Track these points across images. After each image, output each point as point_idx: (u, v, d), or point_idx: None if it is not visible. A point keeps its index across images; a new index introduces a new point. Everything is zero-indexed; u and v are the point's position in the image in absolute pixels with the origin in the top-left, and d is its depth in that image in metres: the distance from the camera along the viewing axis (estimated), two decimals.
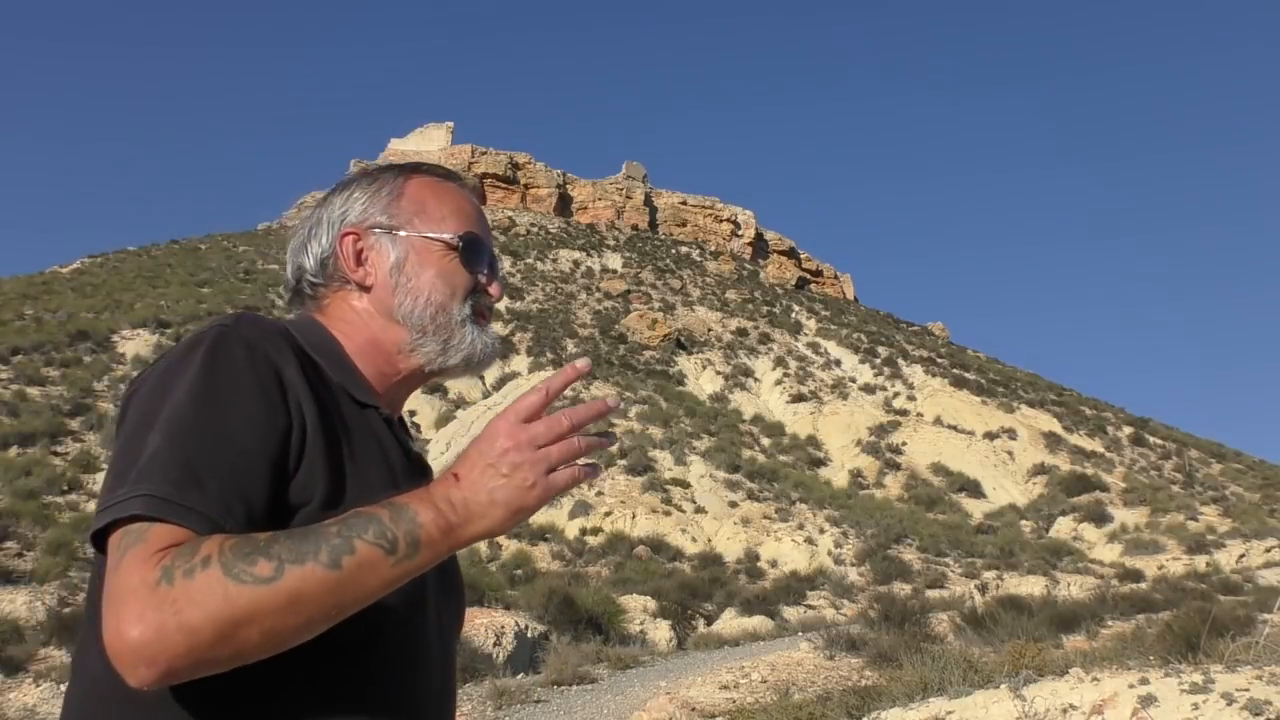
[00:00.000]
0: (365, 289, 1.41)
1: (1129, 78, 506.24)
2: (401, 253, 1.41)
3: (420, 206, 1.44)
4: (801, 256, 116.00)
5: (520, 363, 59.58)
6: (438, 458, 40.96)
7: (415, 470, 1.39)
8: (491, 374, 56.73)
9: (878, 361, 72.99)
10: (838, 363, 74.51)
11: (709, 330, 76.36)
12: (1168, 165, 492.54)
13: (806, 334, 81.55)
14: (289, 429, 1.18)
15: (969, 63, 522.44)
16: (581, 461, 1.15)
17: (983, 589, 27.06)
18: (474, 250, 1.45)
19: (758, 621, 20.45)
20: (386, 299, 1.40)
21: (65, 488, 25.02)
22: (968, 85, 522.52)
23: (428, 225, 1.43)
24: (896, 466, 50.65)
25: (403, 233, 1.42)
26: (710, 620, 21.38)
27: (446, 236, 1.43)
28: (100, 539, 1.11)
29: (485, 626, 13.86)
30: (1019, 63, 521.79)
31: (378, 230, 1.42)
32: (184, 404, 1.15)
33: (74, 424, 32.06)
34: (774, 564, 31.74)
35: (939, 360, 76.43)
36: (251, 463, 1.14)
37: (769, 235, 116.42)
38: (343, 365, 1.36)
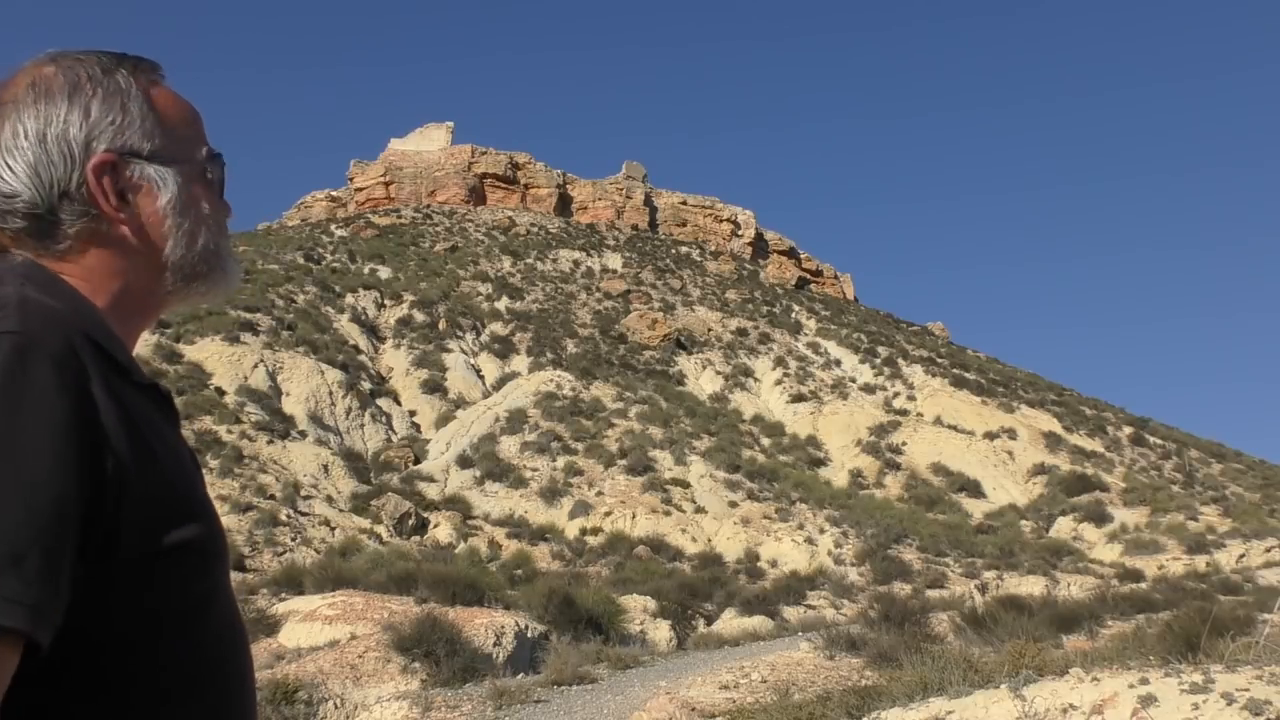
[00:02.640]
0: (128, 231, 1.17)
1: (1131, 80, 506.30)
2: (175, 188, 1.20)
3: (171, 121, 1.22)
4: (801, 256, 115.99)
5: (520, 363, 59.58)
6: (437, 457, 40.99)
7: (192, 457, 1.23)
8: (491, 374, 56.76)
9: (878, 361, 73.00)
10: (838, 363, 74.52)
11: (709, 330, 76.36)
12: (1168, 165, 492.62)
13: (806, 334, 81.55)
14: (109, 469, 1.00)
15: (969, 64, 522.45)
16: None
17: (983, 589, 27.06)
18: (220, 169, 1.27)
19: (758, 621, 20.45)
20: (155, 243, 1.19)
21: None
22: (968, 88, 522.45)
23: (186, 147, 1.23)
24: (896, 466, 50.66)
25: (169, 162, 1.20)
26: (710, 620, 21.38)
27: (203, 160, 1.25)
28: None
29: (485, 626, 13.85)
30: (1020, 65, 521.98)
31: (139, 160, 1.18)
32: None
33: None
34: (774, 564, 31.76)
35: (939, 360, 76.44)
36: (69, 528, 0.96)
37: (769, 235, 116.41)
38: (118, 340, 1.13)
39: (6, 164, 1.13)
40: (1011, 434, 55.76)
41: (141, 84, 1.21)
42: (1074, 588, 26.14)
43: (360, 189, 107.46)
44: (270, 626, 15.05)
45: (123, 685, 1.04)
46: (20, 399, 0.95)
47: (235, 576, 21.92)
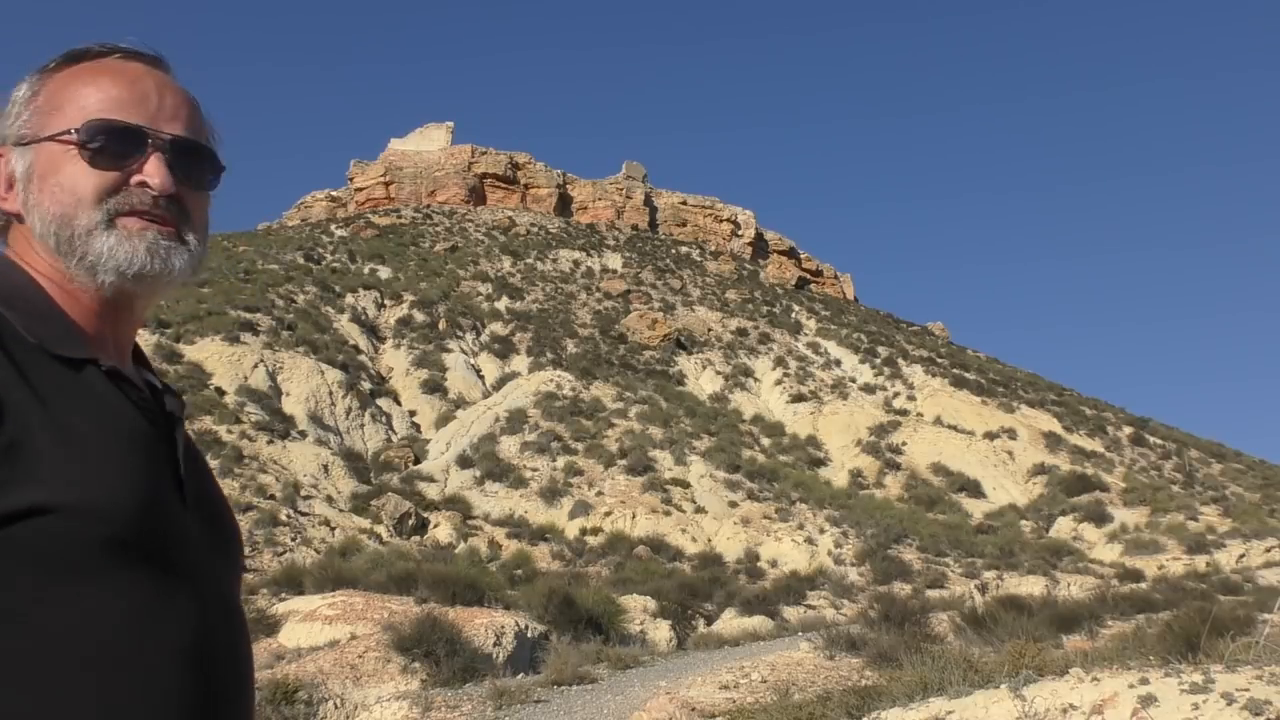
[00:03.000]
0: (19, 216, 1.21)
1: (1131, 79, 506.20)
2: (27, 163, 1.21)
3: (56, 104, 1.22)
4: (801, 256, 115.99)
5: (520, 363, 59.58)
6: (437, 457, 40.99)
7: (161, 429, 1.20)
8: (491, 374, 56.76)
9: (878, 361, 73.01)
10: (838, 363, 74.52)
11: (709, 330, 76.36)
12: (1168, 164, 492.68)
13: (806, 334, 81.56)
14: None
15: (969, 64, 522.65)
16: None
17: (983, 589, 27.06)
18: (105, 138, 1.19)
19: (758, 621, 20.45)
20: (30, 223, 1.20)
21: None
22: (968, 87, 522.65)
23: (58, 119, 1.21)
24: (896, 466, 50.66)
25: (31, 141, 1.21)
26: (710, 620, 21.38)
27: (63, 132, 1.20)
28: None
29: (485, 626, 13.85)
30: (1020, 64, 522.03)
31: (17, 146, 1.22)
32: None
33: None
34: (774, 564, 31.76)
35: (939, 360, 76.45)
36: None
37: (769, 235, 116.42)
38: (46, 314, 1.15)
39: None
40: (1011, 434, 55.76)
41: (50, 72, 1.24)
42: (1074, 588, 26.14)
43: (360, 189, 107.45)
44: (270, 626, 15.05)
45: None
46: None
47: None
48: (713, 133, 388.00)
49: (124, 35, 1.28)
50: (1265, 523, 39.61)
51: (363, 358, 53.18)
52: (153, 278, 1.19)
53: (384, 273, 73.35)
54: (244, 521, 26.50)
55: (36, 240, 1.20)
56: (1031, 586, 26.32)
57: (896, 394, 66.11)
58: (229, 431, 32.56)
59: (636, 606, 19.34)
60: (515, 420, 43.16)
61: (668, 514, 35.66)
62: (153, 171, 1.20)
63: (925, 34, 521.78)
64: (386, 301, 64.21)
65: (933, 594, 25.70)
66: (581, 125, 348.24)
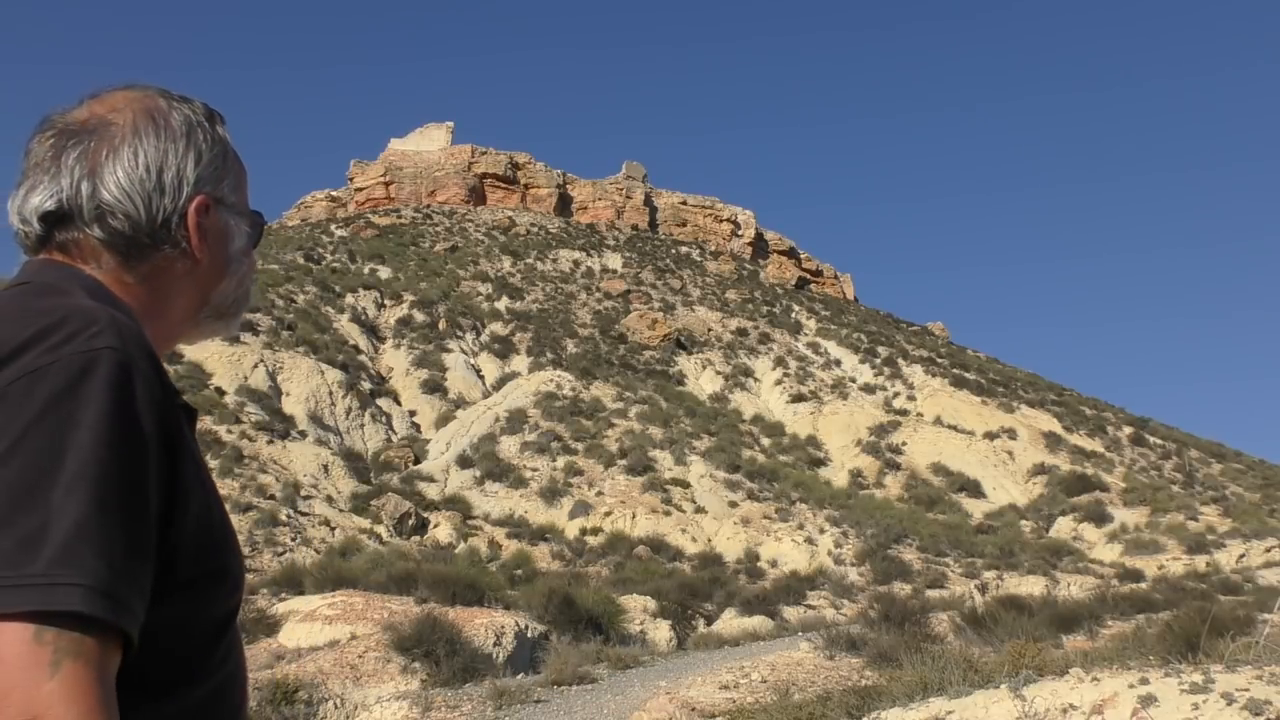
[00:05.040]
0: (197, 268, 1.26)
1: (1131, 79, 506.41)
2: (244, 238, 1.33)
3: (238, 177, 1.34)
4: (801, 256, 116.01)
5: (520, 363, 59.59)
6: (437, 457, 40.99)
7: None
8: (491, 374, 56.79)
9: (878, 361, 73.02)
10: (838, 363, 74.54)
11: (709, 330, 76.38)
12: (1168, 164, 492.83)
13: (806, 334, 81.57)
14: (177, 487, 1.07)
15: (969, 63, 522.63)
16: None
17: (983, 589, 27.07)
18: (261, 232, 1.38)
19: (758, 621, 20.44)
20: (212, 280, 1.28)
21: None
22: (968, 87, 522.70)
23: (245, 202, 1.35)
24: (896, 466, 50.67)
25: (241, 214, 1.33)
26: (710, 620, 21.38)
27: (255, 215, 1.36)
28: None
29: (485, 626, 13.85)
30: (1020, 64, 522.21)
31: (225, 207, 1.29)
32: (105, 459, 0.96)
33: None
34: (774, 564, 31.76)
35: (939, 360, 76.46)
36: (151, 538, 1.01)
37: (769, 235, 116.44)
38: (162, 367, 1.18)
39: (116, 178, 1.19)
40: (1011, 434, 55.78)
41: (221, 135, 1.32)
42: (1074, 588, 26.14)
43: (360, 189, 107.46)
44: (270, 626, 15.06)
45: (160, 700, 1.08)
46: (124, 407, 1.00)
47: None
48: (713, 133, 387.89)
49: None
50: (1265, 523, 39.62)
51: (363, 358, 53.18)
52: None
53: (384, 273, 73.36)
54: (244, 521, 26.50)
55: (202, 294, 1.29)
56: (1031, 586, 26.32)
57: (896, 394, 66.13)
58: (229, 431, 32.56)
59: (636, 606, 19.34)
60: (515, 420, 43.16)
61: (668, 514, 35.67)
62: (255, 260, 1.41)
63: (925, 34, 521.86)
64: (386, 301, 64.22)
65: (933, 594, 25.70)
66: (581, 125, 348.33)
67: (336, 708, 10.52)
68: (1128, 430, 62.79)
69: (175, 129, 1.24)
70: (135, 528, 0.98)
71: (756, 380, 68.20)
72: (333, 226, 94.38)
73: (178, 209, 1.22)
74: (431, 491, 35.70)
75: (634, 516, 34.89)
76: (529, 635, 14.48)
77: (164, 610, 1.04)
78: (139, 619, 0.97)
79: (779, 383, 66.45)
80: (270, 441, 33.40)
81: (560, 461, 39.58)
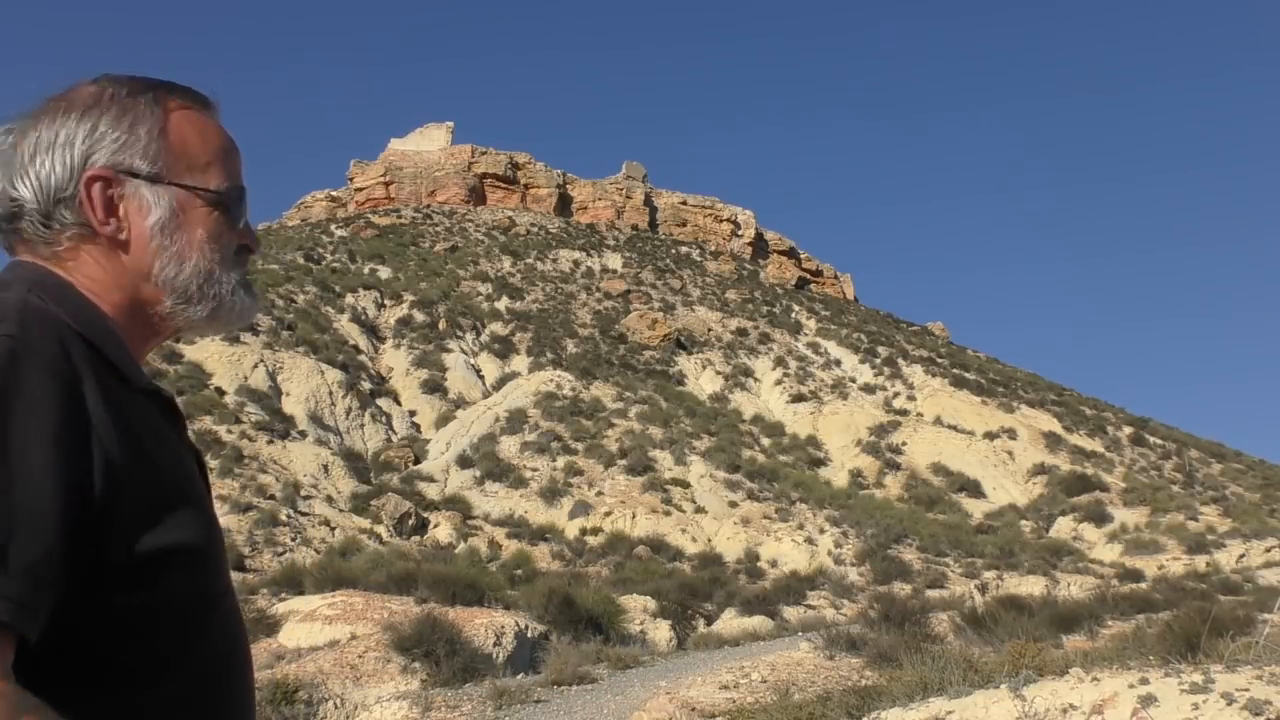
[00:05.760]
0: (117, 244, 1.21)
1: (1131, 79, 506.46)
2: (165, 209, 1.23)
3: (184, 148, 1.26)
4: (801, 256, 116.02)
5: (520, 363, 59.59)
6: (437, 457, 40.99)
7: (195, 458, 1.26)
8: (491, 374, 56.78)
9: (878, 361, 73.01)
10: (838, 363, 74.53)
11: (709, 330, 76.38)
12: (1168, 164, 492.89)
13: (806, 334, 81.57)
14: (99, 471, 1.04)
15: (969, 63, 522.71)
16: None
17: (983, 589, 27.06)
18: (242, 205, 1.30)
19: (758, 621, 20.44)
20: (143, 259, 1.22)
21: None
22: (968, 87, 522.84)
23: (193, 174, 1.26)
24: (896, 466, 50.67)
25: (166, 184, 1.24)
26: (710, 620, 21.38)
27: (214, 188, 1.27)
28: None
29: (485, 626, 13.85)
30: (1020, 63, 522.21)
31: (135, 178, 1.22)
32: None
33: None
34: (774, 564, 31.77)
35: (939, 360, 76.46)
36: (55, 527, 0.99)
37: (769, 235, 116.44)
38: (119, 345, 1.17)
39: (22, 166, 1.20)
40: (1011, 434, 55.77)
41: (165, 108, 1.25)
42: (1074, 588, 26.14)
43: (360, 189, 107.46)
44: (270, 626, 15.06)
45: (125, 682, 1.08)
46: (12, 402, 1.00)
47: (235, 576, 21.92)
48: (713, 133, 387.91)
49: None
50: (1265, 523, 39.62)
51: (363, 358, 53.19)
52: (240, 328, 1.37)
53: (384, 273, 73.37)
54: (244, 521, 26.51)
55: (144, 277, 1.23)
56: (1031, 586, 26.31)
57: (896, 394, 66.12)
58: (229, 431, 32.56)
59: (636, 606, 19.34)
60: (515, 420, 43.16)
61: (668, 514, 35.67)
62: (255, 239, 1.34)
63: (925, 34, 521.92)
64: (386, 301, 64.22)
65: (933, 594, 25.70)
66: (581, 125, 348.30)
67: (336, 708, 10.52)
68: (1128, 430, 62.79)
69: (76, 107, 1.21)
70: (25, 515, 0.97)
71: (756, 380, 68.20)
72: (333, 226, 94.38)
73: (70, 184, 1.19)
74: (431, 491, 35.70)
75: (634, 516, 34.89)
76: (529, 635, 14.48)
77: (111, 596, 1.05)
78: (32, 609, 0.97)
79: (779, 383, 66.45)
80: (270, 441, 33.40)
81: (560, 461, 39.58)
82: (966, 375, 71.45)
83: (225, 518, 26.65)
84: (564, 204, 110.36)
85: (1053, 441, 55.07)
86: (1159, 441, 61.70)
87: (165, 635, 1.10)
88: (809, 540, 34.56)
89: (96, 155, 1.20)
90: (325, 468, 33.55)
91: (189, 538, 1.12)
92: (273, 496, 28.83)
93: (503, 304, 72.84)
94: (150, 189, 1.22)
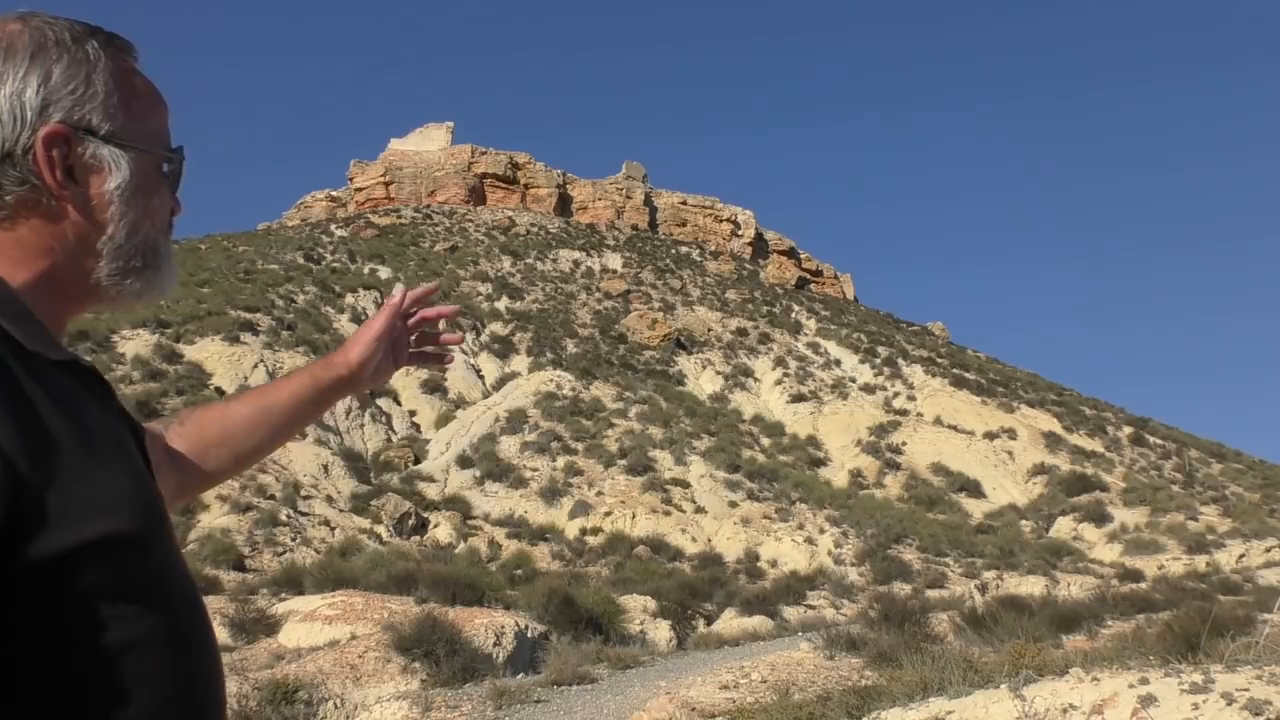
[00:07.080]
0: (65, 209, 1.10)
1: (1132, 79, 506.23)
2: (127, 173, 1.13)
3: (137, 104, 1.15)
4: (801, 256, 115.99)
5: (520, 363, 59.58)
6: (437, 457, 40.98)
7: (132, 432, 1.13)
8: (491, 374, 56.76)
9: (878, 361, 72.98)
10: (838, 363, 74.50)
11: (709, 330, 76.35)
12: (1168, 164, 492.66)
13: (806, 334, 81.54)
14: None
15: (969, 63, 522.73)
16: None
17: (983, 589, 27.05)
18: (180, 167, 1.21)
19: (758, 621, 20.45)
20: (92, 226, 1.12)
21: None
22: (968, 87, 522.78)
23: (147, 135, 1.16)
24: (896, 466, 50.65)
25: (126, 146, 1.13)
26: (710, 620, 21.38)
27: (163, 152, 1.18)
28: None
29: (485, 626, 13.84)
30: (1020, 63, 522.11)
31: (95, 138, 1.11)
32: None
33: None
34: (774, 564, 31.76)
35: (939, 360, 76.42)
36: None
37: (769, 235, 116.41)
38: (27, 317, 1.04)
39: None
40: (1011, 434, 55.75)
41: (112, 59, 1.14)
42: (1074, 588, 26.12)
43: (360, 189, 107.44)
44: (270, 626, 15.06)
45: (67, 679, 0.95)
46: None
47: (235, 576, 21.91)
48: (713, 133, 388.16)
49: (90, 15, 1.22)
50: (1265, 523, 39.61)
51: None
52: (158, 299, 1.22)
53: (384, 273, 73.35)
54: (244, 521, 26.50)
55: (86, 243, 1.12)
56: (1031, 586, 26.30)
57: (896, 394, 66.08)
58: None
59: (636, 606, 19.33)
60: (515, 420, 43.15)
61: (668, 514, 35.66)
62: (180, 203, 1.23)
63: (925, 34, 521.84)
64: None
65: (933, 594, 25.71)
66: (581, 125, 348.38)
67: (336, 708, 10.52)
68: (1128, 430, 62.75)
69: (19, 50, 1.08)
70: None
71: (756, 380, 68.18)
72: (333, 226, 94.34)
73: (20, 138, 1.06)
74: (431, 491, 35.69)
75: (634, 516, 34.88)
76: (529, 635, 14.48)
77: (29, 602, 0.92)
78: None
79: (779, 383, 66.42)
80: None
81: (560, 461, 39.57)
82: (966, 375, 71.41)
83: (225, 518, 26.64)
84: (564, 204, 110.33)
85: (1053, 441, 55.04)
86: (1159, 441, 61.67)
87: (107, 626, 0.97)
88: (809, 540, 34.56)
89: (53, 109, 1.08)
90: (325, 468, 33.54)
91: (116, 526, 0.98)
92: (273, 496, 28.82)
93: (503, 304, 72.83)
94: (111, 150, 1.12)
